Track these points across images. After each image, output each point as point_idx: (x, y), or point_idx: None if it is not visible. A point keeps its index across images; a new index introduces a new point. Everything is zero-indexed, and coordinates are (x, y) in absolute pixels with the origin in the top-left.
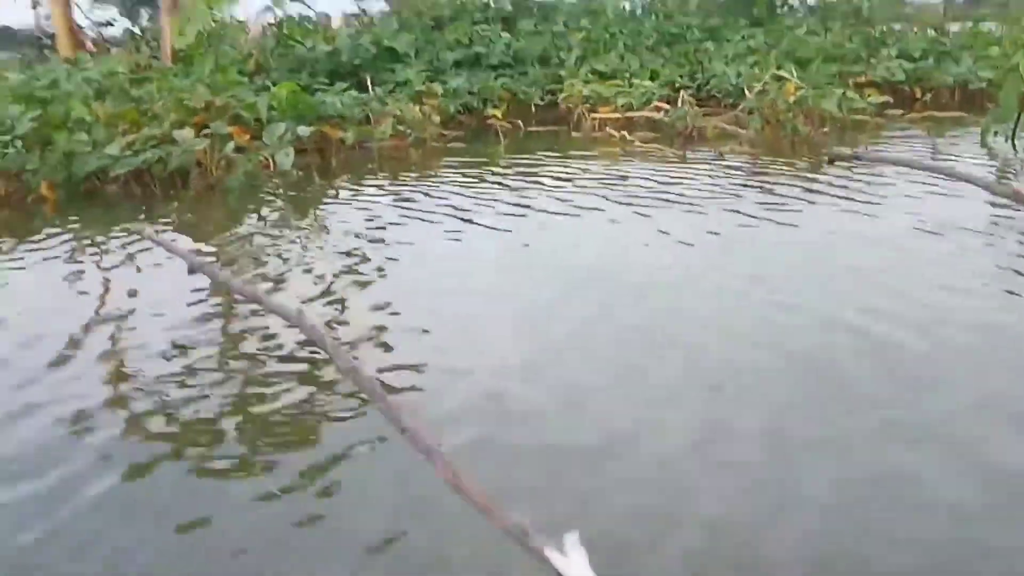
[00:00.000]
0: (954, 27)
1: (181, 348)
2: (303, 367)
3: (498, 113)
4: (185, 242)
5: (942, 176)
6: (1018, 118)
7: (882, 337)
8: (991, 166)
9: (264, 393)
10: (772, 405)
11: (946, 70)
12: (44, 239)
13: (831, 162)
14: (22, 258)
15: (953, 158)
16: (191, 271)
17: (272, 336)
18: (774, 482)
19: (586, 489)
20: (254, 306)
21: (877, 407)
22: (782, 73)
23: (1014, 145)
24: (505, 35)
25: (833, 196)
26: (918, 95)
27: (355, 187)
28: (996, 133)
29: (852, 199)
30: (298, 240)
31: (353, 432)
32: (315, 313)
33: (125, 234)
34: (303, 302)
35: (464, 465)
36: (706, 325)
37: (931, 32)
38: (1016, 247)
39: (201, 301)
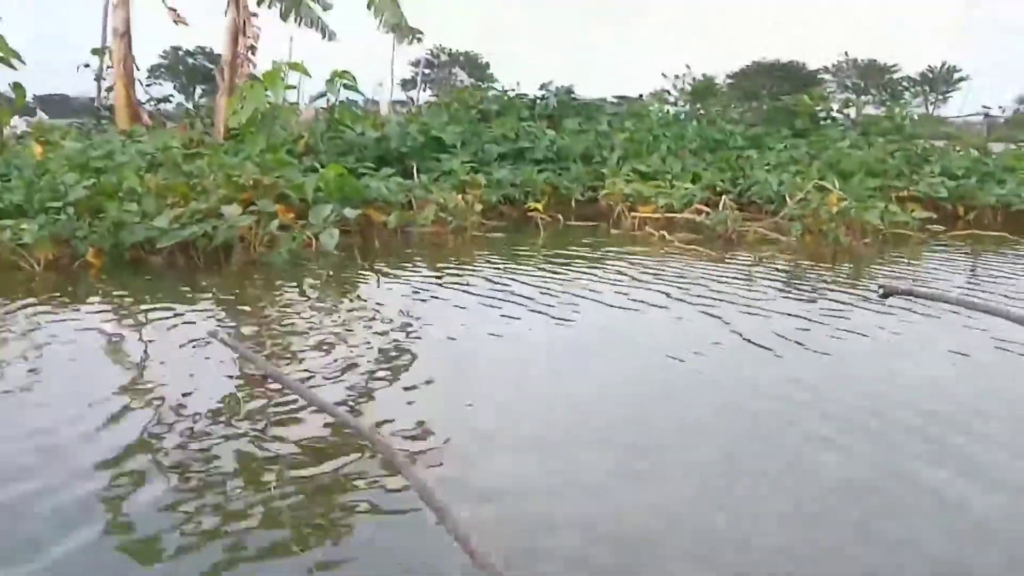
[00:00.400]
0: (997, 147)
1: (200, 419)
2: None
3: (539, 206)
4: (228, 317)
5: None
6: None
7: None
8: None
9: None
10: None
11: (989, 190)
12: (87, 304)
13: (885, 296)
14: (63, 320)
15: (999, 283)
16: (264, 377)
17: (300, 414)
18: None
19: None
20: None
21: None
22: (824, 183)
23: None
24: (550, 132)
25: (882, 306)
26: (961, 213)
27: (396, 270)
28: None
29: (899, 314)
30: (336, 319)
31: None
32: (348, 392)
33: (164, 306)
34: (335, 381)
35: None
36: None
37: (973, 152)
38: None
39: (231, 379)
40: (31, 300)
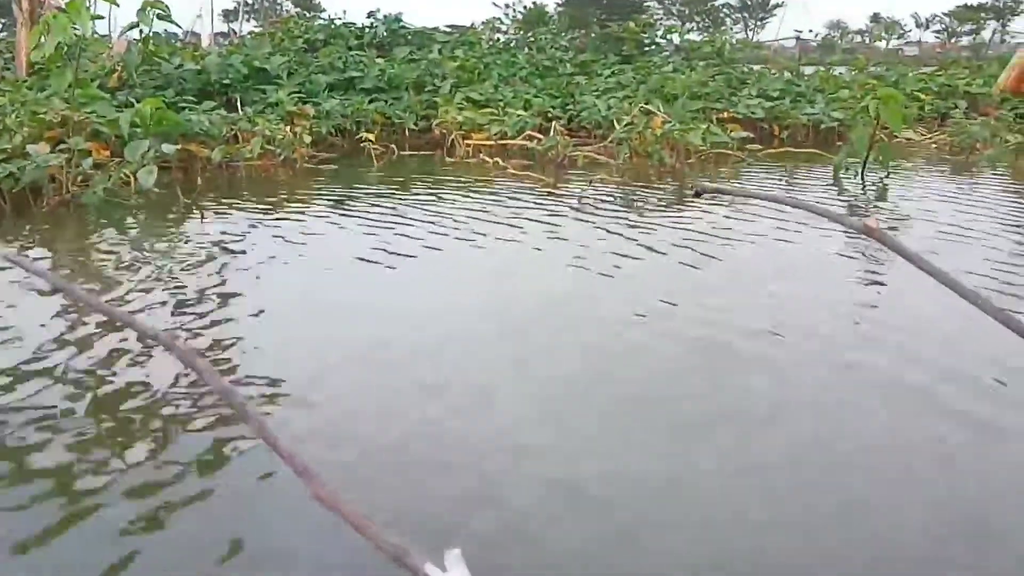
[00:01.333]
0: (808, 70)
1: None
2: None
3: (371, 136)
4: (39, 260)
5: (801, 209)
6: (867, 156)
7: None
8: (843, 200)
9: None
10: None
11: (801, 110)
12: None
13: (697, 195)
14: None
15: (809, 192)
16: (53, 290)
17: (125, 351)
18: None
19: None
20: (107, 325)
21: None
22: (650, 107)
23: (863, 179)
24: (380, 61)
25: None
26: (776, 132)
27: (220, 206)
28: (847, 169)
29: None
30: (157, 260)
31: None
32: (176, 326)
33: None
34: (165, 327)
35: None
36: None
37: (787, 75)
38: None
39: (56, 318)
40: None
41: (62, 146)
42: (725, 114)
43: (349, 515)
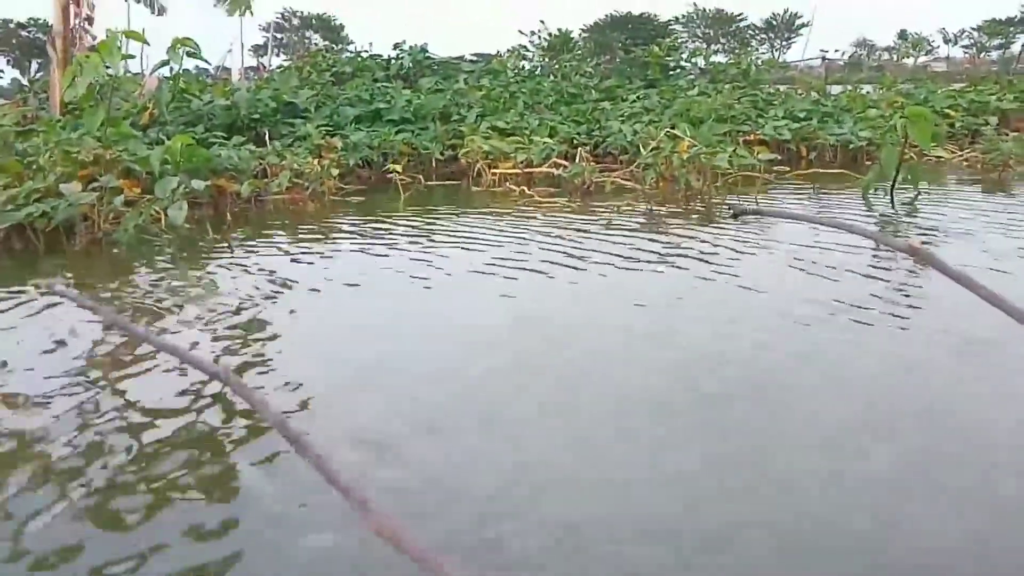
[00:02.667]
0: (835, 90)
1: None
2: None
3: (398, 167)
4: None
5: (838, 230)
6: (896, 176)
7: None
8: (872, 221)
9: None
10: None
11: (829, 130)
12: None
13: (735, 216)
14: None
15: (839, 213)
16: (107, 326)
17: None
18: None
19: None
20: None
21: None
22: (676, 132)
23: (892, 200)
24: (406, 92)
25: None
26: (803, 153)
27: (250, 241)
28: (876, 189)
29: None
30: (188, 297)
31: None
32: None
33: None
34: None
35: None
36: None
37: (814, 95)
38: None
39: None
40: None
41: (94, 184)
42: (752, 136)
43: (411, 550)
